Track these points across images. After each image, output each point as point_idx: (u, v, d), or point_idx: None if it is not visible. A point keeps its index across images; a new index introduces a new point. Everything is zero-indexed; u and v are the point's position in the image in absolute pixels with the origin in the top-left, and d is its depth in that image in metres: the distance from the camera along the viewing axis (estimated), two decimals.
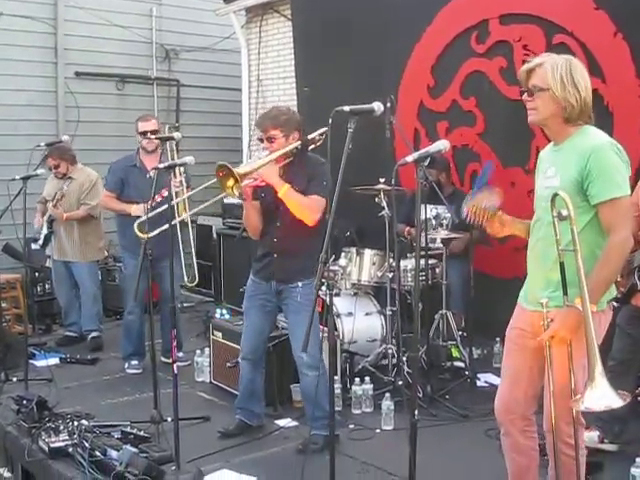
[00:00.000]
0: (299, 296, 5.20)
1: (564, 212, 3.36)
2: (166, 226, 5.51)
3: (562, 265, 3.45)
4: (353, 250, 6.98)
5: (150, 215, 5.71)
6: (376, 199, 6.51)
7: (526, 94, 3.65)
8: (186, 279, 7.44)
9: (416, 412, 3.46)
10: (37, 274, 9.13)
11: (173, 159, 6.60)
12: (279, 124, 5.09)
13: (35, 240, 8.49)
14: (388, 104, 6.26)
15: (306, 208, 5.00)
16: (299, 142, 5.10)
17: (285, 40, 10.34)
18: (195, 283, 7.61)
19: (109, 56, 11.44)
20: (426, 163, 6.94)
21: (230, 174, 4.64)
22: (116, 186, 7.07)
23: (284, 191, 4.93)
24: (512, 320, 3.94)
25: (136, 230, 6.28)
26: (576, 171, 3.49)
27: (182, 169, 6.52)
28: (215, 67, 12.23)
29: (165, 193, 6.64)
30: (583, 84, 3.55)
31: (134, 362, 7.22)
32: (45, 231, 8.17)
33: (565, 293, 3.47)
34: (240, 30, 11.22)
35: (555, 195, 3.42)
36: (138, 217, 6.35)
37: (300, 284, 5.20)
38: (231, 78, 11.89)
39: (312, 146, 5.20)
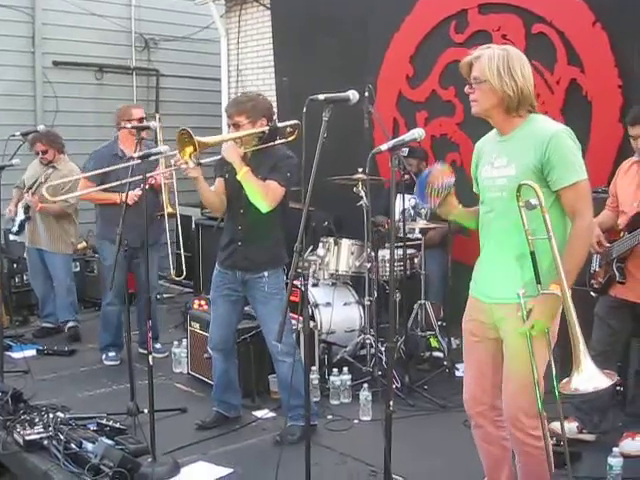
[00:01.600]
0: (266, 286, 5.16)
1: (533, 201, 3.37)
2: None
3: (533, 254, 3.44)
4: (331, 240, 6.94)
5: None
6: (354, 189, 6.49)
7: (467, 86, 3.68)
8: (172, 272, 7.45)
9: (391, 403, 3.42)
10: (15, 265, 9.04)
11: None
12: (245, 110, 5.04)
13: (10, 231, 8.42)
14: (366, 94, 6.26)
15: (262, 193, 4.95)
16: (267, 127, 5.06)
17: (264, 30, 10.30)
18: (182, 277, 7.66)
19: (88, 45, 11.35)
20: (405, 154, 7.00)
21: (190, 141, 4.64)
22: (97, 176, 6.97)
23: (243, 172, 4.89)
24: (468, 312, 3.94)
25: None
26: (535, 158, 3.52)
27: (173, 161, 6.47)
28: (194, 57, 12.17)
29: (152, 180, 6.63)
30: (519, 74, 3.56)
31: (111, 354, 7.17)
32: (22, 217, 8.10)
33: (539, 282, 3.46)
34: (219, 20, 11.16)
35: (521, 185, 3.43)
36: (127, 205, 6.16)
37: (266, 274, 5.17)
38: (210, 68, 11.83)
39: (284, 140, 5.15)
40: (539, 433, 3.62)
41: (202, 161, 4.95)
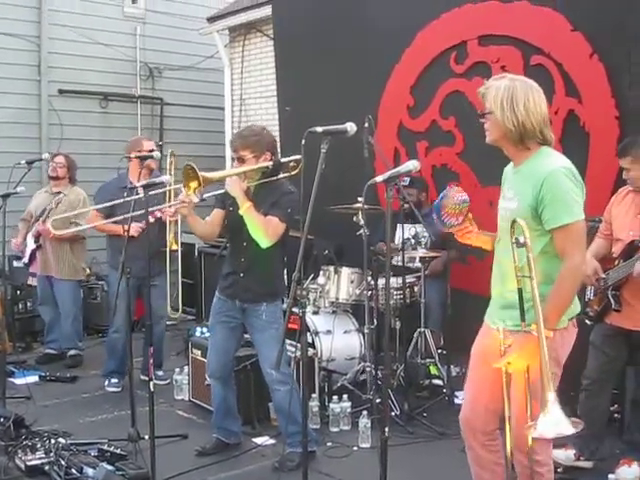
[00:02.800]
0: (264, 314, 5.22)
1: (521, 239, 3.41)
2: None
3: (520, 291, 3.49)
4: (331, 269, 7.00)
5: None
6: (354, 218, 6.55)
7: (482, 116, 3.75)
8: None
9: (386, 429, 3.46)
10: (18, 292, 9.09)
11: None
12: (249, 145, 5.11)
13: (18, 257, 8.46)
14: (366, 124, 6.34)
15: (262, 229, 5.02)
16: (270, 163, 5.12)
17: (267, 60, 10.42)
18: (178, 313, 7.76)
19: (93, 74, 11.52)
20: (406, 183, 7.07)
21: (195, 176, 4.69)
22: (105, 208, 7.05)
23: (245, 208, 4.97)
24: (478, 336, 4.00)
25: None
26: (532, 196, 3.55)
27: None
28: (198, 86, 12.32)
29: (158, 214, 6.70)
30: (522, 108, 3.57)
31: (114, 380, 7.22)
32: (32, 246, 8.08)
33: (523, 319, 3.50)
34: (223, 49, 11.31)
35: (514, 221, 3.48)
36: (131, 236, 6.25)
37: (265, 304, 5.23)
38: (214, 97, 11.98)
39: (287, 174, 5.22)
40: (540, 458, 3.69)
41: (205, 195, 5.01)
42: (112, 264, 7.23)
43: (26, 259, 8.22)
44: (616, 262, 5.01)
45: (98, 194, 7.29)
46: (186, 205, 4.98)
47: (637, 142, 5.07)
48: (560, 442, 5.14)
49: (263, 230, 5.02)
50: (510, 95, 3.59)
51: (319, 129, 3.74)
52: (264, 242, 5.04)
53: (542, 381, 3.21)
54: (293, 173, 5.14)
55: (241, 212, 4.99)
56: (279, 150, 5.44)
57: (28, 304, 9.11)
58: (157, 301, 7.04)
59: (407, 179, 6.97)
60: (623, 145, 5.21)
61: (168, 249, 7.00)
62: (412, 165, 3.62)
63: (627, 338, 5.06)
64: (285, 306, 5.20)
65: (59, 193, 8.02)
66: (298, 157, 5.04)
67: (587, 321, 5.19)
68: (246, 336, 5.63)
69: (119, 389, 7.17)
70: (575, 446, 5.22)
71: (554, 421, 3.14)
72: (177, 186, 5.32)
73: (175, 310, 7.98)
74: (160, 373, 7.34)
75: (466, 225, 3.99)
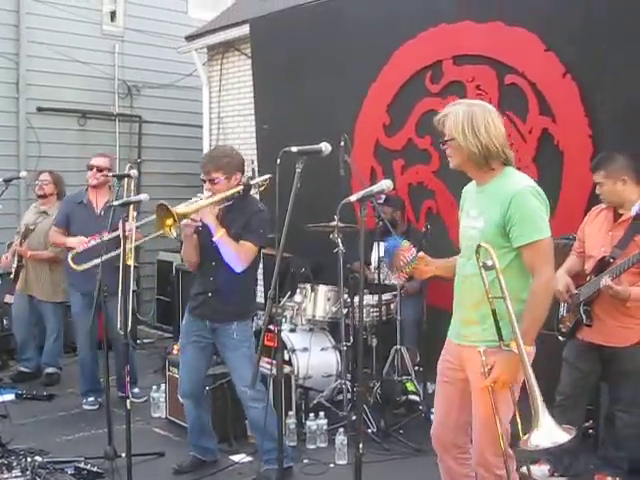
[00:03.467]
0: (235, 333, 5.24)
1: (489, 262, 3.50)
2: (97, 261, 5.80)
3: (494, 312, 3.55)
4: (308, 286, 7.02)
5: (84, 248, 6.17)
6: (330, 236, 6.59)
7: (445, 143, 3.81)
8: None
9: (361, 445, 3.50)
10: None
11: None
12: (221, 166, 5.12)
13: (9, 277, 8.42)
14: (342, 143, 6.39)
15: (236, 256, 5.04)
16: (241, 187, 5.14)
17: (245, 78, 10.45)
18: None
19: (71, 92, 11.51)
20: (382, 201, 7.12)
21: (169, 214, 4.68)
22: (61, 222, 7.10)
23: (219, 235, 4.98)
24: (443, 353, 4.07)
25: (70, 262, 6.53)
26: (499, 215, 3.64)
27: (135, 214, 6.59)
28: (177, 104, 12.33)
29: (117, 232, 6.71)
30: (483, 131, 3.66)
31: (91, 399, 7.21)
32: (15, 264, 8.07)
33: (500, 338, 3.57)
34: (202, 67, 11.32)
35: (479, 246, 3.56)
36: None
37: (235, 323, 5.25)
38: (192, 115, 11.97)
39: (260, 188, 5.26)
40: (502, 472, 3.73)
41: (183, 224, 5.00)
42: (70, 281, 7.27)
43: (12, 275, 8.14)
44: (588, 278, 5.08)
45: (58, 210, 7.36)
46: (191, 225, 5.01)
47: (610, 157, 5.18)
48: (534, 457, 5.20)
49: (237, 257, 5.05)
50: (470, 120, 3.68)
51: (294, 149, 3.79)
52: (238, 267, 5.07)
53: (530, 395, 3.29)
54: (261, 189, 5.26)
55: (215, 239, 5.00)
56: (257, 169, 5.48)
57: (4, 322, 9.05)
58: (112, 320, 6.78)
59: (383, 196, 7.02)
60: (597, 160, 5.32)
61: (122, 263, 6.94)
62: (385, 185, 3.69)
63: (599, 353, 5.12)
64: (260, 323, 5.23)
65: (44, 213, 8.01)
66: (267, 177, 5.11)
67: (560, 337, 5.25)
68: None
69: (96, 407, 7.16)
70: (549, 462, 5.27)
71: (547, 432, 3.24)
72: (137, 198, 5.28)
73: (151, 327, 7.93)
74: (136, 390, 7.34)
75: (421, 267, 4.05)
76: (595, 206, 5.40)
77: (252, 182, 5.26)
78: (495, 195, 3.70)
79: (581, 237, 5.32)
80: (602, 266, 4.97)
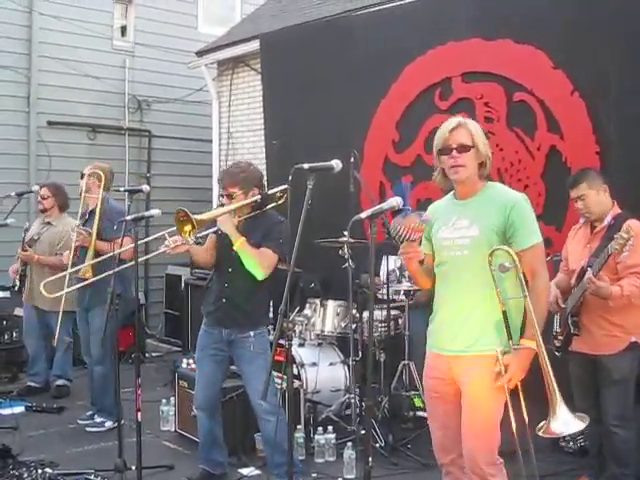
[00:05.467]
0: (252, 346, 5.28)
1: (507, 264, 3.67)
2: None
3: (505, 313, 3.72)
4: (317, 301, 7.07)
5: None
6: (340, 251, 6.62)
7: (455, 151, 3.87)
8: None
9: (370, 459, 3.54)
10: (4, 322, 9.09)
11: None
12: (238, 182, 5.24)
13: (3, 288, 8.45)
14: (352, 159, 6.43)
15: (257, 263, 5.12)
16: (258, 197, 5.24)
17: (255, 94, 10.51)
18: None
19: (81, 106, 11.62)
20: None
21: (188, 220, 4.78)
22: None
23: (239, 243, 5.08)
24: (427, 370, 4.13)
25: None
26: (498, 221, 3.82)
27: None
28: (186, 118, 12.43)
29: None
30: (488, 144, 3.94)
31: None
32: (20, 273, 8.07)
33: (510, 338, 3.72)
34: (211, 83, 11.40)
35: (494, 250, 3.73)
36: None
37: (252, 333, 5.29)
38: (202, 129, 12.05)
39: (274, 203, 5.32)
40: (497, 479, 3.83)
41: (199, 235, 5.09)
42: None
43: (17, 285, 8.15)
44: (573, 290, 5.14)
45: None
46: (182, 245, 5.07)
47: (586, 171, 5.42)
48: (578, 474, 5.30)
49: (258, 263, 5.12)
50: (483, 132, 3.93)
51: (306, 166, 3.84)
52: (260, 274, 5.14)
53: (548, 386, 3.59)
54: (280, 202, 5.29)
55: (235, 247, 5.09)
56: (266, 184, 5.54)
57: (14, 334, 9.09)
58: (93, 339, 6.84)
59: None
60: (574, 177, 5.42)
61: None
62: (395, 202, 3.74)
63: (593, 363, 5.14)
64: (272, 337, 5.26)
65: (49, 224, 8.05)
66: (284, 187, 5.15)
67: (556, 352, 5.29)
68: (232, 367, 5.68)
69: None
70: (590, 477, 5.33)
71: (564, 421, 3.57)
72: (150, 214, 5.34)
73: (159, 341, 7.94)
74: (98, 420, 7.06)
75: (417, 248, 4.02)
76: (575, 225, 5.46)
77: (269, 192, 5.30)
78: (489, 204, 3.89)
79: (565, 255, 5.45)
80: (582, 276, 5.02)
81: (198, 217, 4.83)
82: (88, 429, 6.88)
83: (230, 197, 5.23)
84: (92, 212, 6.85)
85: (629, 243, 4.59)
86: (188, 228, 4.81)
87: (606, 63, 6.46)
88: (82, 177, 7.07)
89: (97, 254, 6.66)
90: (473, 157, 3.87)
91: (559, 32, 6.78)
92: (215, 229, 5.26)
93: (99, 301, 6.57)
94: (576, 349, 5.17)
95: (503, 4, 7.26)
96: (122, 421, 5.62)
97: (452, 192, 4.10)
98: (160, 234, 5.41)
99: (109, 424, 6.91)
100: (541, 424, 3.62)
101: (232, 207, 5.17)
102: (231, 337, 5.34)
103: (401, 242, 3.87)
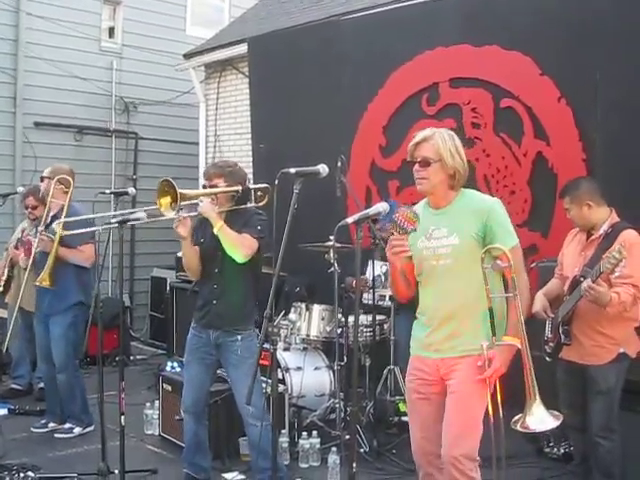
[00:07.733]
0: (239, 350, 5.26)
1: (501, 263, 3.77)
2: None
3: (491, 310, 3.79)
4: (302, 306, 7.06)
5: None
6: (325, 256, 6.62)
7: (418, 165, 3.98)
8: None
9: (354, 464, 3.53)
10: None
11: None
12: (223, 174, 5.27)
13: None
14: (339, 164, 6.43)
15: (238, 244, 5.11)
16: (240, 187, 5.25)
17: (242, 97, 10.51)
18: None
19: (68, 107, 11.58)
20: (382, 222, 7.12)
21: (169, 192, 4.80)
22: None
23: (219, 226, 5.06)
24: (411, 372, 4.19)
25: None
26: (476, 227, 3.91)
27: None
28: (173, 121, 12.41)
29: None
30: (463, 154, 4.00)
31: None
32: (4, 277, 7.99)
33: (494, 334, 3.79)
34: (199, 85, 11.39)
35: (487, 249, 3.82)
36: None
37: (239, 337, 5.26)
38: (189, 132, 12.05)
39: (255, 204, 5.32)
40: (475, 475, 3.89)
41: (182, 214, 5.04)
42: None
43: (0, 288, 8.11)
44: (565, 298, 5.14)
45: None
46: (182, 223, 5.04)
47: (574, 184, 5.36)
48: None
49: (238, 244, 5.11)
50: (453, 142, 3.99)
51: (292, 170, 3.84)
52: (240, 256, 5.12)
53: (527, 381, 3.71)
54: (261, 204, 5.29)
55: (215, 231, 5.07)
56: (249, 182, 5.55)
57: None
58: (55, 346, 6.69)
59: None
60: (563, 187, 5.49)
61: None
62: (381, 207, 3.77)
63: (582, 371, 5.15)
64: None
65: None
66: (265, 186, 5.18)
67: (547, 358, 5.30)
68: (218, 371, 5.66)
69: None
70: None
71: (540, 418, 3.71)
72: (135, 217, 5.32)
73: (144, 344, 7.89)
74: (66, 426, 6.92)
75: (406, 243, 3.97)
76: (572, 229, 5.47)
77: (251, 186, 5.32)
78: (465, 212, 3.98)
79: (560, 260, 5.45)
80: (574, 285, 5.03)
81: (182, 190, 4.82)
82: (57, 435, 6.79)
83: (213, 187, 5.27)
84: (55, 217, 6.68)
85: (621, 264, 4.56)
86: (166, 200, 4.83)
87: (593, 70, 6.49)
88: (42, 180, 6.91)
89: (58, 261, 6.50)
90: (438, 170, 3.95)
91: (547, 39, 6.82)
92: (195, 214, 5.22)
93: (59, 308, 6.59)
94: (565, 357, 5.19)
95: (491, 11, 7.28)
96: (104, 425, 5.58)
97: (425, 200, 4.19)
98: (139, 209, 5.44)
99: (78, 430, 6.83)
100: (517, 417, 3.74)
101: (215, 190, 5.21)
102: (219, 340, 5.32)
103: (392, 233, 3.87)
